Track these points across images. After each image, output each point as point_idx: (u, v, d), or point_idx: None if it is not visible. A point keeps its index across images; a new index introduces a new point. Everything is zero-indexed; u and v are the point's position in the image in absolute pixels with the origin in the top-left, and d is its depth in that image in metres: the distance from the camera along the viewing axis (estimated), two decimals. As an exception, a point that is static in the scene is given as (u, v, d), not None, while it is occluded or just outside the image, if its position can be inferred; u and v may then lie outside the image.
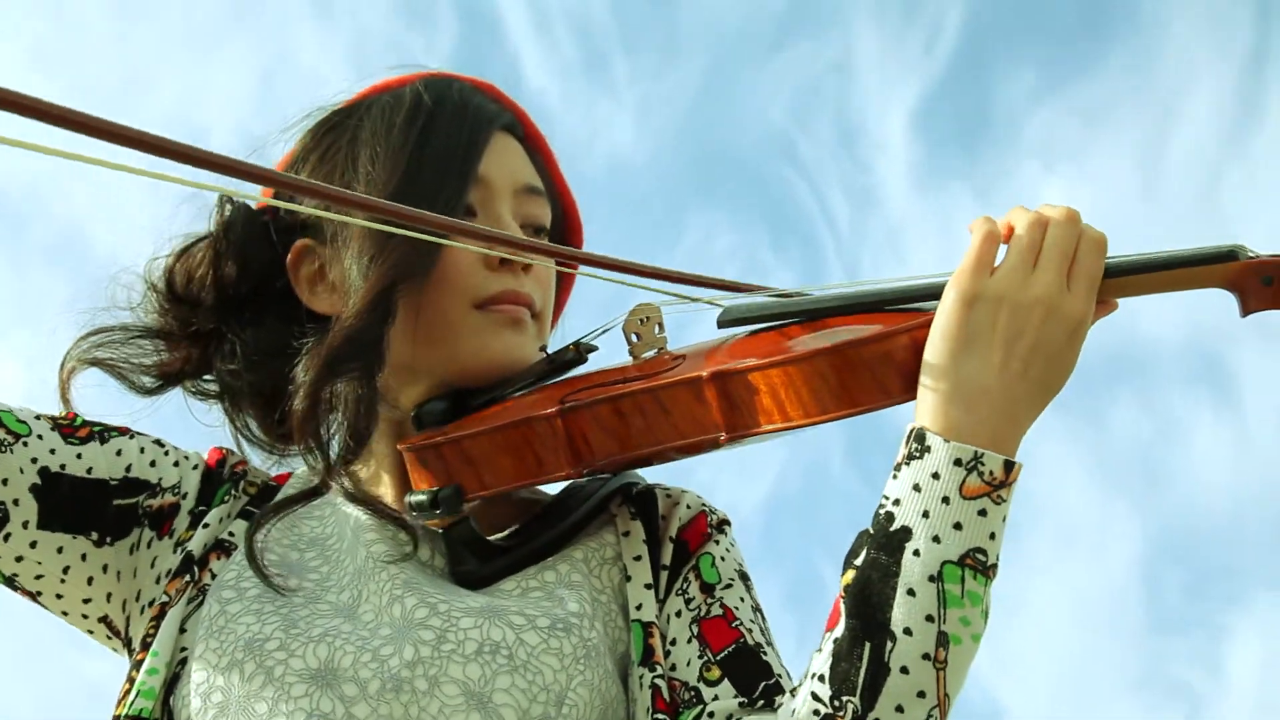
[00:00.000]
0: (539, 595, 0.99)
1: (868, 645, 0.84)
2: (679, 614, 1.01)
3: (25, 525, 0.99)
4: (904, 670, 0.83)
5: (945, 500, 0.84)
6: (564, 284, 1.22)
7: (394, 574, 0.98)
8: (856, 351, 0.89)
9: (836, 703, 0.84)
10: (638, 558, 1.03)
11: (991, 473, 0.84)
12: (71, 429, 1.04)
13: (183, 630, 0.98)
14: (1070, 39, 4.42)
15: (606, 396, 0.97)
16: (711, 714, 0.94)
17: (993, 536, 0.84)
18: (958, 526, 0.84)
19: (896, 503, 0.86)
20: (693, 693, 0.97)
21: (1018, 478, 0.86)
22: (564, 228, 1.19)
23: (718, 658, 0.98)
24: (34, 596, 1.03)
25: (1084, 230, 0.89)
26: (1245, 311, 0.91)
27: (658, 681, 0.96)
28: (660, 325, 1.04)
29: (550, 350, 1.09)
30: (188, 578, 1.00)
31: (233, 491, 1.08)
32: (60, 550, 1.01)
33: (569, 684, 0.93)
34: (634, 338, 1.04)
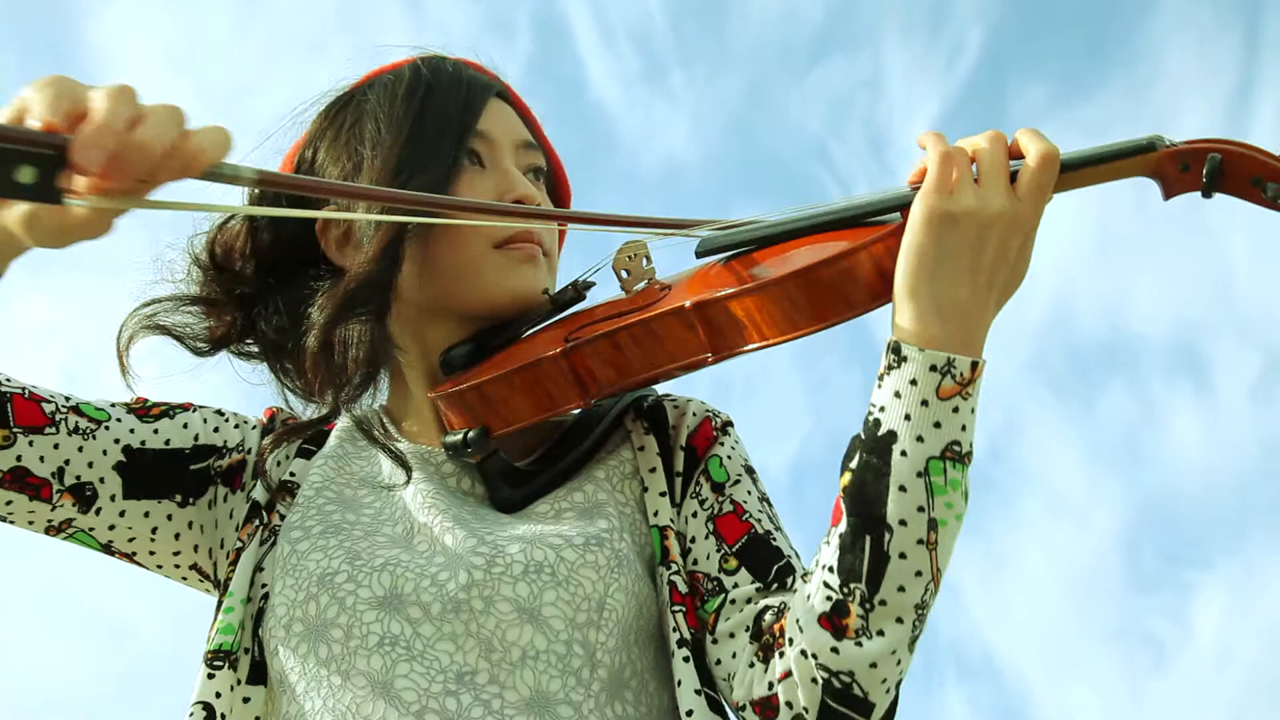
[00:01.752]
0: (571, 516, 1.05)
1: (868, 538, 0.90)
2: (695, 515, 1.08)
3: (113, 498, 1.07)
4: (902, 556, 0.90)
5: (924, 403, 0.90)
6: (558, 236, 1.28)
7: (443, 507, 1.05)
8: (820, 272, 0.93)
9: (845, 589, 0.91)
10: (653, 469, 1.10)
11: (961, 374, 0.90)
12: (144, 410, 1.11)
13: (260, 569, 1.05)
14: (1076, 64, 4.61)
15: (604, 332, 1.02)
16: (734, 600, 1.02)
17: (964, 428, 0.90)
18: (937, 425, 0.90)
19: (882, 409, 0.91)
20: (715, 583, 1.04)
21: (983, 373, 0.91)
22: (554, 184, 1.25)
23: (733, 549, 1.05)
24: (130, 557, 1.12)
25: (1038, 144, 0.93)
26: (1167, 195, 0.96)
27: (673, 578, 1.04)
28: (648, 259, 1.09)
29: (551, 293, 1.14)
30: (257, 521, 1.07)
31: (287, 439, 1.14)
32: (147, 515, 1.09)
33: (607, 591, 1.00)
34: (624, 274, 1.08)
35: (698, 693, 0.99)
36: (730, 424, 1.15)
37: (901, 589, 0.91)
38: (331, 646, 0.98)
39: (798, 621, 0.95)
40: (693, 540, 1.09)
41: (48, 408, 1.05)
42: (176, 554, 1.12)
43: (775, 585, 1.03)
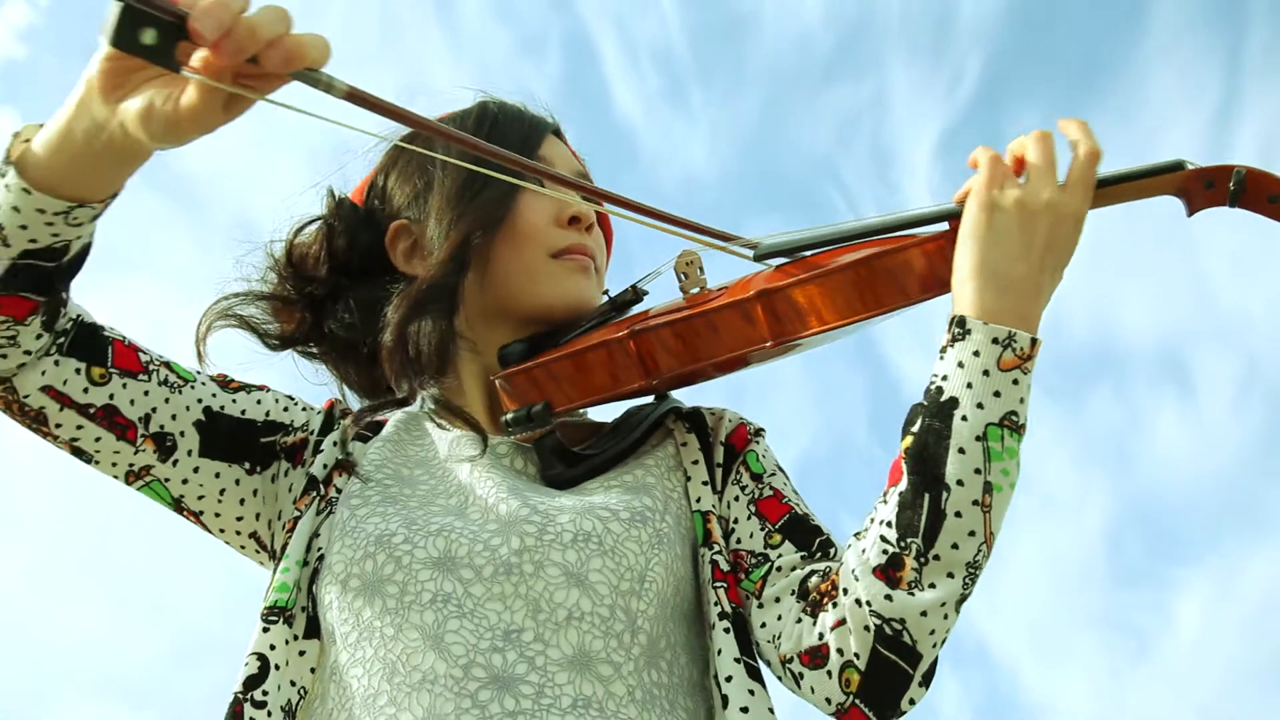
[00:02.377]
0: (619, 494, 1.09)
1: (927, 496, 0.95)
2: (736, 499, 1.14)
3: (189, 453, 1.11)
4: (958, 514, 0.94)
5: (985, 373, 0.95)
6: (607, 244, 1.34)
7: (497, 481, 1.09)
8: (881, 261, 1.01)
9: (903, 544, 0.95)
10: (695, 461, 1.15)
11: (1021, 348, 0.96)
12: (226, 382, 1.17)
13: (316, 535, 1.09)
14: (1069, 88, 4.77)
15: (668, 321, 1.08)
16: (779, 568, 1.07)
17: (1022, 401, 0.96)
18: (996, 394, 0.95)
19: (945, 378, 0.97)
20: (759, 557, 1.09)
21: (1039, 350, 0.97)
22: (601, 223, 1.32)
23: (776, 527, 1.11)
24: (197, 517, 1.15)
25: (1085, 143, 1.00)
26: (1191, 211, 1.03)
27: (715, 558, 1.08)
28: (701, 268, 1.14)
29: (611, 293, 1.21)
30: (315, 493, 1.11)
31: (340, 424, 1.19)
32: (218, 475, 1.13)
33: (648, 565, 1.04)
34: (682, 276, 1.14)
35: (737, 660, 1.03)
36: (762, 431, 1.20)
37: (955, 546, 0.94)
38: (386, 601, 1.02)
39: (853, 572, 0.98)
40: (735, 521, 1.13)
41: (143, 357, 1.09)
42: (239, 519, 1.15)
43: (819, 555, 1.08)
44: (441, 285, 1.14)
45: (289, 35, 0.78)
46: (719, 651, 1.04)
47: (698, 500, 1.12)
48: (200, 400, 1.12)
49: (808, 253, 1.10)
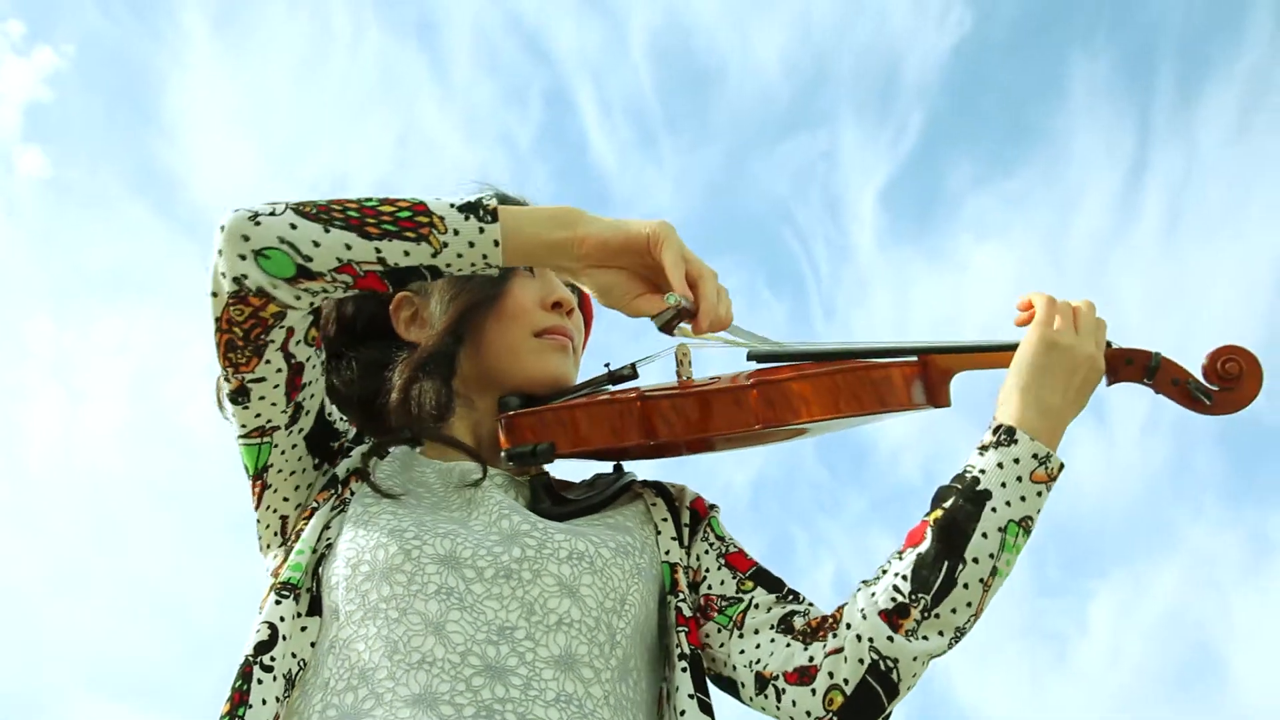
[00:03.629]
0: (603, 529, 1.20)
1: (946, 563, 1.09)
2: (705, 553, 1.26)
3: (301, 431, 1.21)
4: (965, 586, 1.09)
5: (1019, 479, 1.11)
6: (586, 327, 1.46)
7: (499, 501, 1.19)
8: (868, 372, 1.17)
9: (914, 597, 1.09)
10: (664, 519, 1.27)
11: (1051, 469, 1.12)
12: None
13: (327, 527, 1.16)
14: (1000, 144, 5.24)
15: (671, 394, 1.20)
16: (757, 605, 1.20)
17: (1038, 510, 1.12)
18: (1022, 499, 1.11)
19: (983, 472, 1.12)
20: (732, 599, 1.21)
21: (1062, 473, 1.13)
22: (582, 307, 1.45)
23: (746, 575, 1.23)
24: (264, 487, 1.22)
25: (1092, 311, 1.19)
26: (1110, 382, 1.22)
27: (680, 605, 1.18)
28: (691, 361, 1.29)
29: (611, 366, 1.31)
30: (333, 491, 1.20)
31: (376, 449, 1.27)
32: (300, 459, 1.22)
33: (629, 589, 1.14)
34: (678, 364, 1.28)
35: (690, 696, 1.12)
36: (717, 506, 1.33)
37: (954, 610, 1.09)
38: (394, 587, 1.08)
39: (861, 611, 1.11)
40: (706, 571, 1.24)
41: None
42: (286, 500, 1.22)
43: (790, 599, 1.21)
44: (440, 353, 1.27)
45: (728, 314, 1.14)
46: (677, 688, 1.13)
47: (666, 552, 1.23)
48: (320, 400, 1.22)
49: (791, 362, 1.25)
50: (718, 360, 1.29)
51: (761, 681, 1.16)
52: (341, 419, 1.28)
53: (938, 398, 1.22)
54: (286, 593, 1.11)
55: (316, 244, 1.07)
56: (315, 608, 1.12)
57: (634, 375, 1.29)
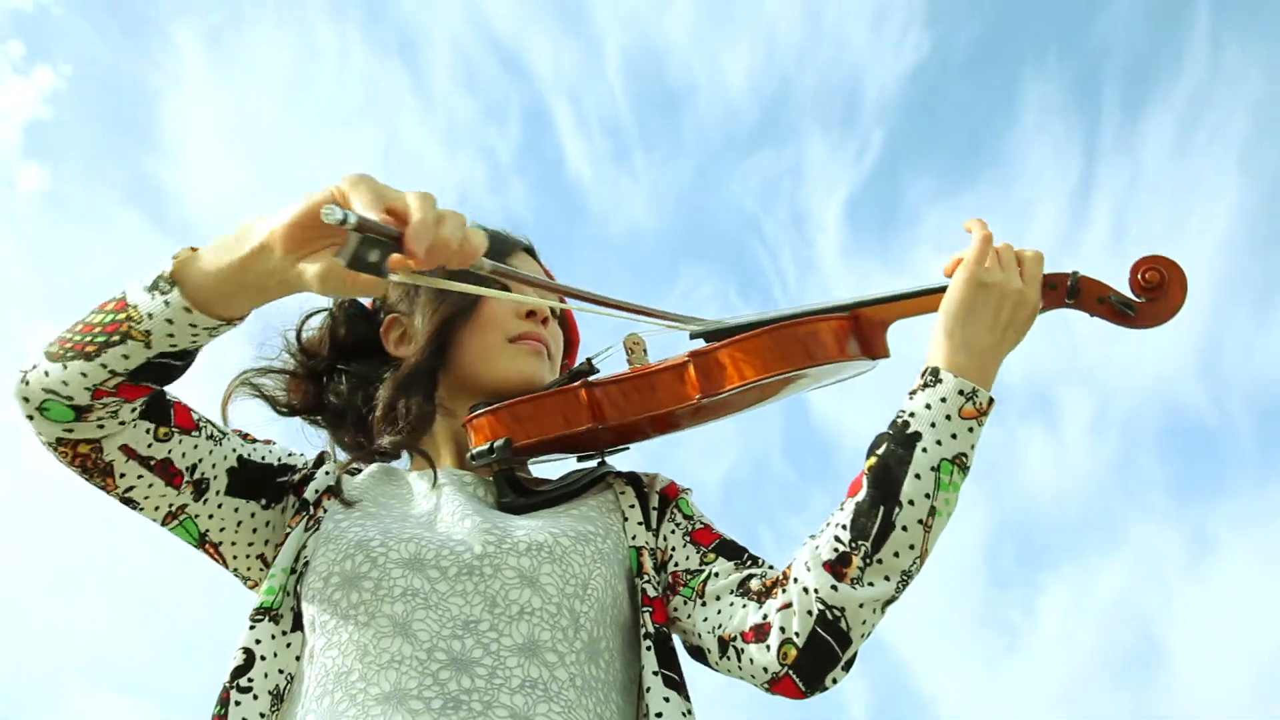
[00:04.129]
0: (565, 520, 1.23)
1: (881, 508, 1.09)
2: (672, 533, 1.28)
3: (217, 493, 1.22)
4: (904, 528, 1.09)
5: (948, 417, 1.11)
6: (570, 347, 1.50)
7: (462, 503, 1.23)
8: (793, 329, 1.18)
9: (854, 545, 1.09)
10: (632, 506, 1.30)
11: (980, 404, 1.12)
12: (245, 436, 1.29)
13: (303, 547, 1.20)
14: (956, 161, 5.44)
15: (614, 377, 1.24)
16: (717, 574, 1.21)
17: (973, 446, 1.11)
18: (953, 436, 1.10)
19: (911, 415, 1.12)
20: (696, 571, 1.23)
21: (993, 409, 1.13)
22: (566, 327, 1.49)
23: (710, 548, 1.25)
24: (216, 549, 1.25)
25: (1033, 250, 1.19)
26: (1040, 309, 1.19)
27: (644, 586, 1.21)
28: (645, 349, 1.31)
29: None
30: (305, 514, 1.23)
31: (331, 465, 1.31)
32: (237, 510, 1.24)
33: (590, 574, 1.17)
34: (629, 353, 1.30)
35: (655, 673, 1.15)
36: (690, 489, 1.35)
37: (896, 554, 1.09)
38: (362, 594, 1.12)
39: (805, 564, 1.12)
40: (673, 549, 1.27)
41: (194, 416, 1.21)
42: (250, 544, 1.25)
43: (749, 563, 1.22)
44: (422, 369, 1.33)
45: (466, 241, 0.89)
46: (643, 666, 1.17)
47: (633, 537, 1.26)
48: (235, 450, 1.24)
49: (737, 335, 1.23)
50: (672, 345, 1.29)
51: (723, 644, 1.17)
52: (286, 454, 1.30)
53: (874, 349, 1.23)
54: (260, 616, 1.15)
55: (65, 383, 1.06)
56: (299, 623, 1.16)
57: (592, 370, 1.32)
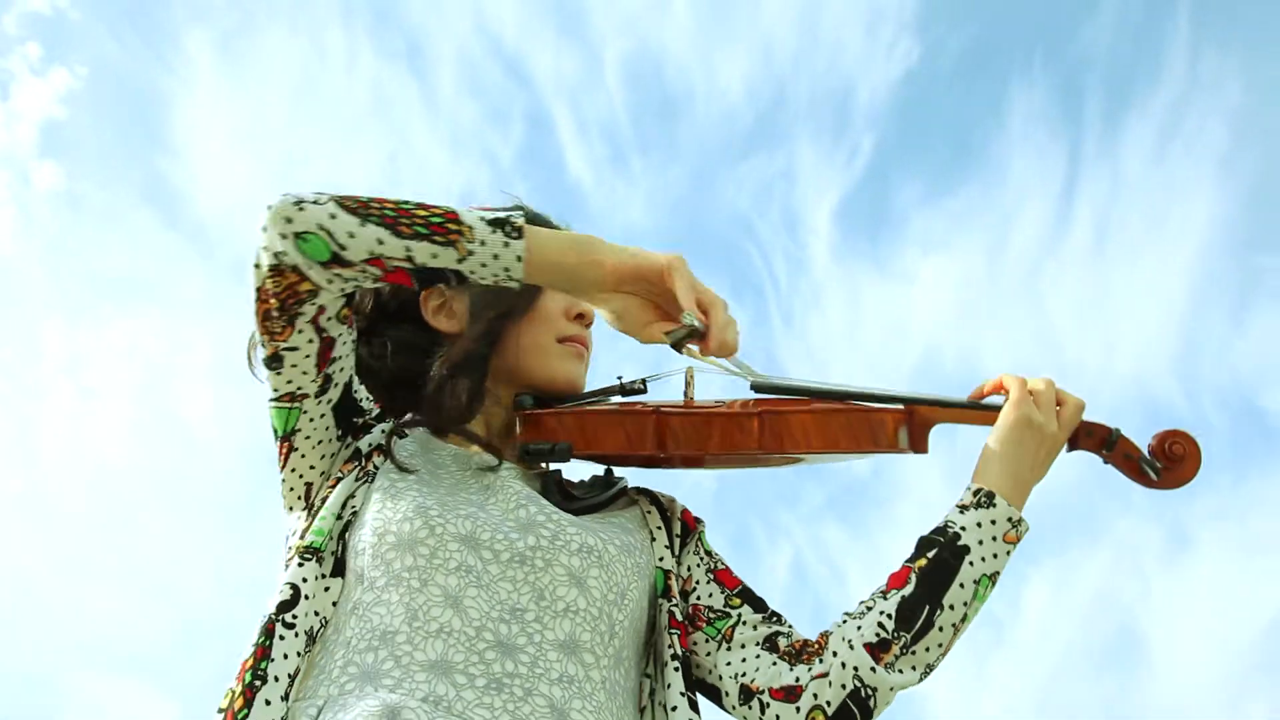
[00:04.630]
0: (608, 529, 1.26)
1: (926, 607, 1.20)
2: (696, 565, 1.34)
3: (330, 401, 1.26)
4: (940, 629, 1.20)
5: (994, 538, 1.23)
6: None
7: (516, 490, 1.25)
8: (866, 414, 1.26)
9: (896, 634, 1.19)
10: (659, 527, 1.34)
11: (1020, 531, 1.24)
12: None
13: (352, 496, 1.21)
14: (945, 166, 5.58)
15: (682, 411, 1.28)
16: (745, 622, 1.27)
17: (1004, 567, 1.23)
18: (994, 555, 1.22)
19: (964, 529, 1.23)
20: (721, 613, 1.29)
21: (1026, 534, 1.25)
22: None
23: (734, 592, 1.32)
24: (291, 450, 1.26)
25: (1074, 398, 1.30)
26: (1071, 449, 1.32)
27: (672, 609, 1.25)
28: (694, 384, 1.36)
29: (623, 379, 1.39)
30: (357, 463, 1.25)
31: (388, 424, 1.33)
32: (327, 429, 1.26)
33: (629, 586, 1.21)
34: (685, 385, 1.35)
35: (682, 694, 1.19)
36: (702, 520, 1.41)
37: (928, 649, 1.20)
38: (417, 559, 1.13)
39: (847, 642, 1.20)
40: (696, 583, 1.32)
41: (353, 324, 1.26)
42: (311, 467, 1.26)
43: (774, 619, 1.29)
44: (477, 354, 1.35)
45: (735, 342, 1.17)
46: (668, 685, 1.20)
47: (660, 559, 1.30)
48: (350, 370, 1.27)
49: (790, 396, 1.32)
50: (719, 386, 1.37)
51: (747, 693, 1.24)
52: (367, 398, 1.33)
53: (918, 444, 1.32)
54: (309, 555, 1.16)
55: (352, 235, 1.11)
56: (338, 570, 1.17)
57: (644, 390, 1.37)
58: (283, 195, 1.13)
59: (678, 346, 1.16)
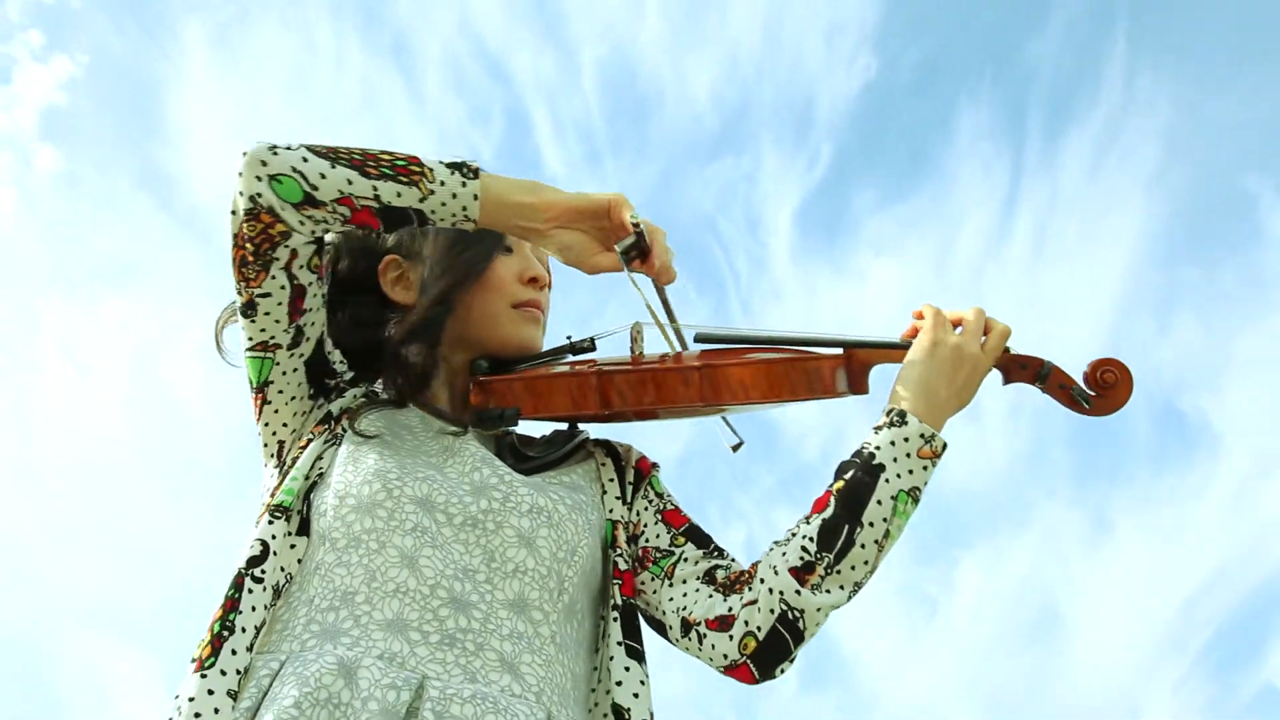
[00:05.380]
0: (559, 488, 1.29)
1: (846, 526, 1.20)
2: (645, 509, 1.36)
3: (301, 356, 1.28)
4: (862, 546, 1.20)
5: (909, 455, 1.23)
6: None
7: (472, 453, 1.27)
8: (802, 363, 1.26)
9: (819, 555, 1.20)
10: (611, 479, 1.36)
11: (935, 447, 1.24)
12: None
13: (320, 458, 1.24)
14: (897, 174, 5.89)
15: (626, 370, 1.29)
16: (686, 559, 1.30)
17: (925, 482, 1.23)
18: (910, 471, 1.22)
19: (878, 448, 1.23)
20: (666, 551, 1.31)
21: (945, 452, 1.24)
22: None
23: (680, 531, 1.34)
24: (265, 402, 1.29)
25: (1002, 325, 1.30)
26: (1006, 381, 1.33)
27: (616, 559, 1.28)
28: (643, 339, 1.35)
29: (573, 338, 1.40)
30: (326, 426, 1.28)
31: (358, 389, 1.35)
32: (299, 385, 1.30)
33: (579, 542, 1.24)
34: (633, 341, 1.35)
35: (619, 644, 1.22)
36: (658, 465, 1.43)
37: (853, 568, 1.20)
38: (376, 521, 1.16)
39: (774, 568, 1.21)
40: (645, 525, 1.34)
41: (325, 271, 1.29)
42: (284, 424, 1.30)
43: (715, 554, 1.31)
44: (431, 321, 1.36)
45: (670, 268, 1.23)
46: (607, 635, 1.24)
47: (610, 510, 1.33)
48: (321, 327, 1.31)
49: (741, 349, 1.33)
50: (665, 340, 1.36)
51: (686, 626, 1.27)
52: (340, 361, 1.36)
53: (858, 386, 1.34)
54: (279, 514, 1.19)
55: (323, 175, 1.16)
56: (304, 529, 1.20)
57: (592, 348, 1.39)
58: (257, 141, 1.18)
59: (626, 257, 1.19)
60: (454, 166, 1.20)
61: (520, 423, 1.34)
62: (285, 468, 1.27)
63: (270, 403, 1.29)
